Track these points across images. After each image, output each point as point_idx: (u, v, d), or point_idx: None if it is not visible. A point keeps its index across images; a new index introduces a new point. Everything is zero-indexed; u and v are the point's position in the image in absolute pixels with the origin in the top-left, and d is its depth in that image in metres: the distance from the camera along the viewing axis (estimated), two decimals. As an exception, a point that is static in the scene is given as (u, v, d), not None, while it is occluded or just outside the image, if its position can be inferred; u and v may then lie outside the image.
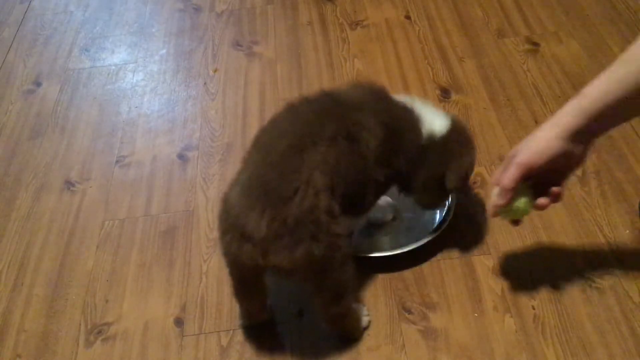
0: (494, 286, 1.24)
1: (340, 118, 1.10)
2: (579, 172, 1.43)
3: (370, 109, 1.14)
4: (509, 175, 1.03)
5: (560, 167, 1.04)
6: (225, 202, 1.07)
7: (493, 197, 1.09)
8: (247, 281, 1.13)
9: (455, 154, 1.21)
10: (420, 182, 1.21)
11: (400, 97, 1.22)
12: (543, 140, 1.01)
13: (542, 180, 1.06)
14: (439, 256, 1.29)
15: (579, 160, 1.04)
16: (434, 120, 1.20)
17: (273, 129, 1.14)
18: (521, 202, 1.07)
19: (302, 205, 1.00)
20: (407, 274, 1.27)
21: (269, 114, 1.64)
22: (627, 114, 1.01)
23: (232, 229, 1.04)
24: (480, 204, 1.39)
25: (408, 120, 1.19)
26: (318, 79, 1.75)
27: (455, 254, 1.30)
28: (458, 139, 1.23)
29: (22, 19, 2.10)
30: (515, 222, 1.15)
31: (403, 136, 1.17)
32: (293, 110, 1.15)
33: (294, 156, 1.04)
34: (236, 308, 1.21)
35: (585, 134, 1.00)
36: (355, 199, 1.14)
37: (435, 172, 1.20)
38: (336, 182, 1.06)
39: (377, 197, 1.24)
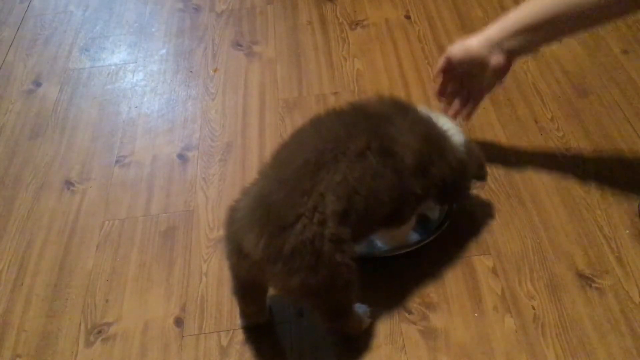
0: (494, 286, 1.24)
1: (370, 132, 1.06)
2: (579, 172, 1.43)
3: (402, 121, 1.11)
4: (438, 63, 1.33)
5: (476, 72, 1.28)
6: (232, 211, 1.05)
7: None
8: (247, 287, 1.12)
9: (478, 163, 1.26)
10: (457, 190, 1.23)
11: (421, 108, 1.20)
12: (468, 42, 1.26)
13: (464, 88, 1.35)
14: (439, 256, 1.29)
15: (493, 73, 1.26)
16: (456, 132, 1.20)
17: (294, 142, 1.10)
18: None
19: (303, 234, 0.97)
20: (407, 273, 1.27)
21: (269, 114, 1.66)
22: (538, 39, 1.25)
23: (232, 242, 1.03)
24: (480, 204, 1.39)
25: (441, 131, 1.17)
26: (318, 79, 1.76)
27: (455, 254, 1.30)
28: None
29: (22, 19, 2.10)
30: None
31: (442, 147, 1.15)
32: (318, 123, 1.11)
33: (307, 175, 1.00)
34: (236, 308, 1.21)
35: (501, 47, 1.23)
36: (389, 214, 1.11)
37: (470, 180, 1.25)
38: (355, 203, 1.02)
39: (414, 210, 1.19)
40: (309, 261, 0.97)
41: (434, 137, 1.14)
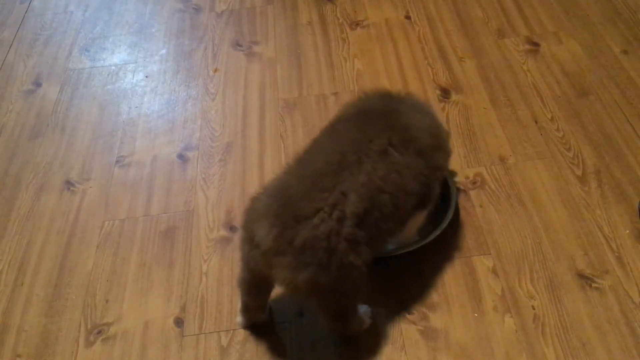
0: (494, 286, 1.24)
1: (387, 129, 1.08)
2: (579, 172, 1.43)
3: (407, 108, 1.15)
4: None
5: None
6: (252, 200, 1.06)
7: None
8: (254, 280, 1.11)
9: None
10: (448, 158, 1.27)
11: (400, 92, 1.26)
12: None
13: None
14: (439, 256, 1.29)
15: None
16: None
17: (314, 148, 1.12)
18: None
19: (318, 228, 0.97)
20: (407, 274, 1.27)
21: (269, 114, 1.66)
22: None
23: (247, 230, 1.04)
24: (480, 204, 1.39)
25: (427, 105, 1.25)
26: (318, 79, 1.75)
27: (455, 254, 1.30)
28: None
29: (22, 19, 2.10)
30: None
31: (438, 119, 1.22)
32: (333, 132, 1.13)
33: (330, 174, 1.01)
34: (236, 308, 1.21)
35: None
36: (419, 199, 1.13)
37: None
38: (380, 202, 1.02)
39: (440, 184, 1.22)
40: (321, 258, 0.97)
41: (432, 113, 1.22)
